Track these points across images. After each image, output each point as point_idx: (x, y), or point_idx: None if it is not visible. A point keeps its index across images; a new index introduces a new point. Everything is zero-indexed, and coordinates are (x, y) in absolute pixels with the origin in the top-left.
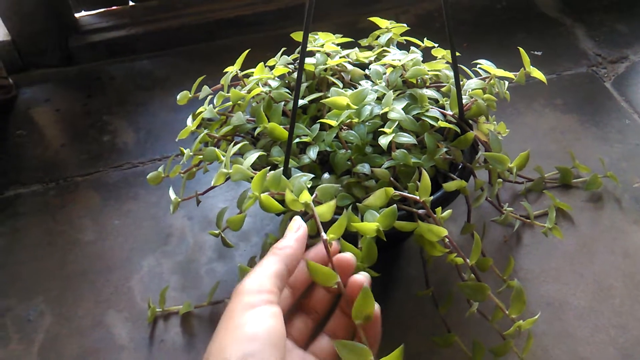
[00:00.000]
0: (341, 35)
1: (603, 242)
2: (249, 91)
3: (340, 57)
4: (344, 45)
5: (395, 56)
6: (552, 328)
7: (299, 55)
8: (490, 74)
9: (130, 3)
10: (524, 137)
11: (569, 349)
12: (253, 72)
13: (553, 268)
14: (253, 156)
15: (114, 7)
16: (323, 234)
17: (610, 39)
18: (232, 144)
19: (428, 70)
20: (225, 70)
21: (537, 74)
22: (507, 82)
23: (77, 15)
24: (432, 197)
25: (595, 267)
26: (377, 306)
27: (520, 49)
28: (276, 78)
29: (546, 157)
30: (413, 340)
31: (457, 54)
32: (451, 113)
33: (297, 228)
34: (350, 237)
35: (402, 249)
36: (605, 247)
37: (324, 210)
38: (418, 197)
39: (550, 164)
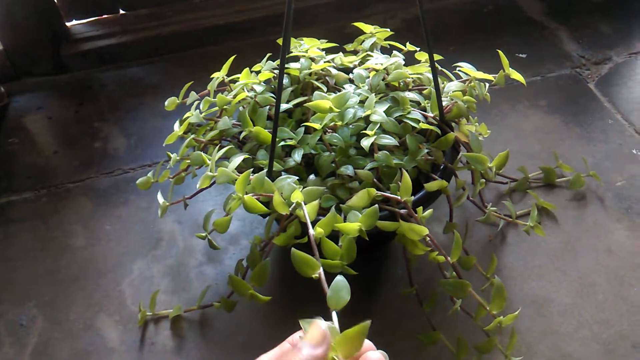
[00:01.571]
0: (326, 41)
1: (586, 240)
2: (235, 96)
3: (324, 62)
4: (329, 50)
5: (377, 60)
6: (536, 325)
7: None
8: (470, 76)
9: (121, 12)
10: (509, 138)
11: (553, 344)
12: (239, 78)
13: (537, 266)
14: (238, 159)
15: (104, 16)
16: (311, 230)
17: (593, 40)
18: (218, 147)
19: (410, 74)
20: (212, 76)
21: (516, 75)
22: (487, 84)
23: (68, 24)
24: (413, 197)
25: (578, 265)
26: None
27: (500, 52)
28: (262, 83)
29: (530, 157)
30: (399, 339)
31: (441, 57)
32: (432, 115)
33: (320, 340)
34: (333, 237)
35: (389, 251)
36: (588, 244)
37: (308, 211)
38: (400, 197)
39: (534, 164)
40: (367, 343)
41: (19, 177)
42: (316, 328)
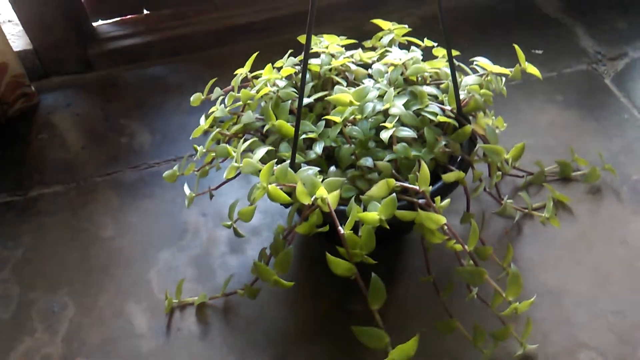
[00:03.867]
0: (345, 37)
1: (601, 232)
2: (258, 91)
3: (344, 58)
4: (348, 47)
5: (396, 55)
6: (552, 314)
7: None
8: (487, 70)
9: (145, 12)
10: (525, 132)
11: (568, 334)
12: (262, 74)
13: (553, 257)
14: (262, 151)
15: (129, 16)
16: (340, 228)
17: (609, 36)
18: (242, 140)
19: (428, 68)
20: (236, 72)
21: (532, 69)
22: (503, 78)
23: (94, 24)
24: (431, 188)
25: (593, 256)
26: None
27: (516, 46)
28: (283, 78)
29: (546, 151)
30: (416, 327)
31: (458, 52)
32: (450, 108)
33: None
34: (353, 226)
35: (406, 242)
36: (603, 236)
37: (330, 200)
38: (418, 188)
39: (551, 158)
40: None
41: (50, 171)
42: None
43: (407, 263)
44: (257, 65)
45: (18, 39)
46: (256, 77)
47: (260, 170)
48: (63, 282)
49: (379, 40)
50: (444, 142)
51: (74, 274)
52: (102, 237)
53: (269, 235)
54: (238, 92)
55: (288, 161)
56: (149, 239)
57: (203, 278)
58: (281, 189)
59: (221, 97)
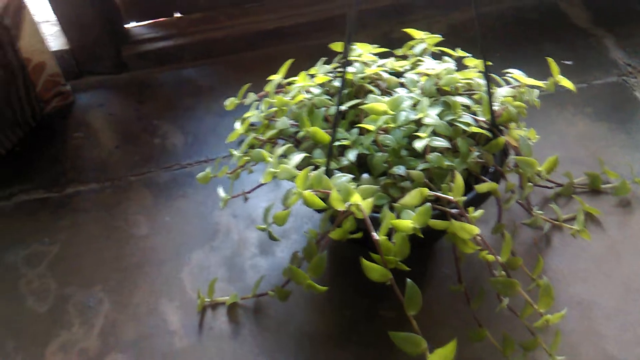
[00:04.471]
0: (377, 46)
1: (631, 246)
2: (293, 98)
3: (377, 66)
4: (379, 55)
5: (430, 65)
6: (581, 326)
7: (338, 64)
8: (520, 82)
9: (177, 15)
10: (555, 143)
11: (596, 346)
12: (295, 80)
13: (582, 269)
14: (298, 157)
15: (161, 19)
16: (374, 234)
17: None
18: (279, 146)
19: (460, 79)
20: (269, 78)
21: (566, 82)
22: (537, 90)
23: (128, 26)
24: (464, 198)
25: (623, 269)
26: None
27: (549, 59)
28: (317, 86)
29: (576, 163)
30: (445, 335)
31: (489, 63)
32: (483, 119)
33: None
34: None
35: (434, 250)
36: (633, 250)
37: (364, 207)
38: (451, 197)
39: (580, 169)
40: None
41: (85, 169)
42: None
43: (435, 270)
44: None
45: (55, 39)
46: (289, 83)
47: (295, 177)
48: (98, 279)
49: (410, 49)
50: (477, 153)
51: (109, 270)
52: (136, 235)
53: (297, 237)
54: (273, 98)
55: (323, 168)
56: (182, 238)
57: (234, 278)
58: (316, 194)
59: (255, 102)
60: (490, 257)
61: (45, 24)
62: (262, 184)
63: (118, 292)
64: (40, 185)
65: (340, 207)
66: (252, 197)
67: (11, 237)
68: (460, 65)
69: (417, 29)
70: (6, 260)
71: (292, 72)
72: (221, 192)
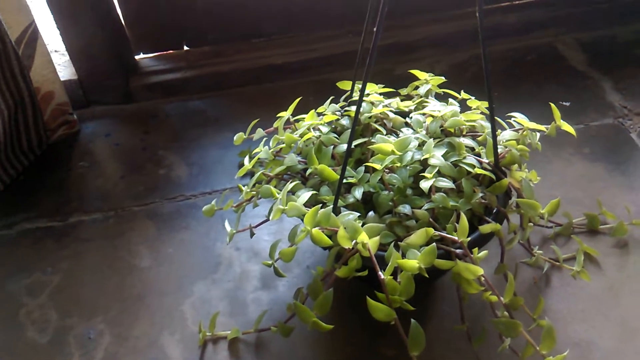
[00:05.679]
0: (383, 85)
1: (629, 286)
2: (302, 135)
3: (383, 106)
4: (385, 94)
5: (435, 107)
6: None
7: (345, 103)
8: (523, 126)
9: (185, 48)
10: (553, 184)
11: None
12: (304, 118)
13: (580, 310)
14: (306, 195)
15: (170, 51)
16: (380, 273)
17: (636, 92)
18: (287, 182)
19: (465, 121)
20: (278, 115)
21: (567, 127)
22: (538, 134)
23: (136, 57)
24: (469, 238)
25: (621, 310)
26: None
27: (552, 104)
28: (325, 124)
29: (574, 203)
30: None
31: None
32: (487, 161)
33: None
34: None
35: (435, 287)
36: (631, 290)
37: (370, 245)
38: (456, 238)
39: (578, 210)
40: None
41: (89, 199)
42: None
43: (435, 307)
44: (289, 103)
45: (64, 69)
46: (297, 121)
47: (304, 214)
48: (99, 310)
49: (415, 89)
50: (480, 194)
51: (110, 301)
52: (138, 266)
53: (299, 272)
54: (281, 135)
55: (331, 206)
56: (184, 270)
57: (235, 312)
58: (323, 232)
59: (264, 139)
60: (494, 298)
61: (54, 53)
62: (266, 220)
63: (119, 324)
64: (43, 213)
65: (347, 245)
66: (255, 230)
67: (13, 266)
68: (463, 106)
69: (419, 68)
70: (8, 289)
71: (299, 106)
72: (228, 227)
